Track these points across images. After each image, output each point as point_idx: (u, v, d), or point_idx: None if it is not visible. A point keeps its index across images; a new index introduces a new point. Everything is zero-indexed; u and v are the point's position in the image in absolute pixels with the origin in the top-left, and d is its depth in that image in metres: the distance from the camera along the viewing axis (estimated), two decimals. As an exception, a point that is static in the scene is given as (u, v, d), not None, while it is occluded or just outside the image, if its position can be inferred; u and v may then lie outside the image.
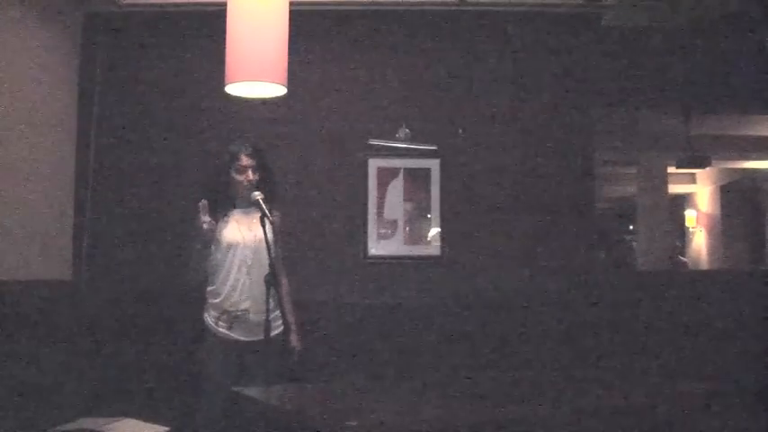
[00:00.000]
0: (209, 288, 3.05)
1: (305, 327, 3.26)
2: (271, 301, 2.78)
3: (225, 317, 2.98)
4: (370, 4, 3.90)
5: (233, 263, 2.99)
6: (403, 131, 3.89)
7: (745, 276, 5.09)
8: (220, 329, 2.99)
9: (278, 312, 2.91)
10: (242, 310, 2.97)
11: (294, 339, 3.10)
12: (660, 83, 4.10)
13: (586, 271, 3.85)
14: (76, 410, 3.09)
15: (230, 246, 2.99)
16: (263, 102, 2.97)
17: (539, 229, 3.87)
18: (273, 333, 3.01)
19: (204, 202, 2.90)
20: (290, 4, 2.50)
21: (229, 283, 2.99)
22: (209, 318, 3.03)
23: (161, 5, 3.87)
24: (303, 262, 3.75)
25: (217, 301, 3.01)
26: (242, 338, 2.99)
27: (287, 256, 3.20)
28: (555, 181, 3.90)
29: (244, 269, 2.99)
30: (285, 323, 3.05)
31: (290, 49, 2.47)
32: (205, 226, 2.87)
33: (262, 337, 2.93)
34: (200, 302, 3.06)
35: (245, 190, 3.01)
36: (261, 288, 2.98)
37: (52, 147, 3.61)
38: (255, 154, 3.05)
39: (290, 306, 3.13)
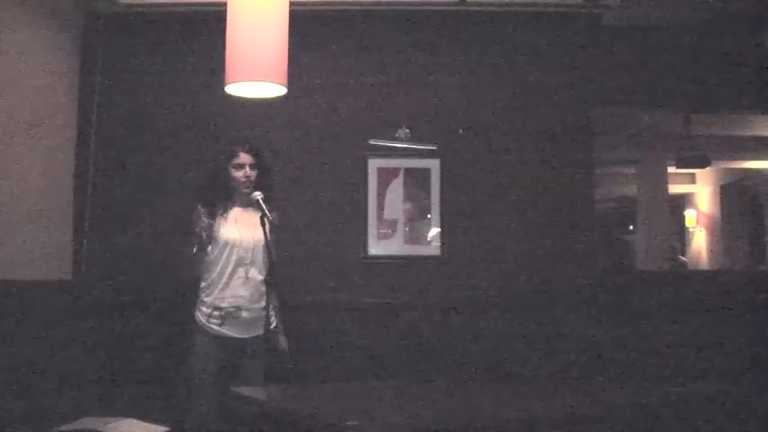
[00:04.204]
0: (202, 284, 3.06)
1: (305, 327, 3.28)
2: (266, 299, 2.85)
3: (217, 313, 2.99)
4: (370, 4, 3.90)
5: (229, 261, 3.01)
6: (403, 131, 3.89)
7: (745, 276, 5.09)
8: (212, 326, 3.00)
9: (271, 311, 2.97)
10: (234, 308, 2.99)
11: (282, 341, 3.12)
12: (660, 83, 4.10)
13: (586, 271, 3.85)
14: (76, 410, 3.09)
15: (227, 244, 3.00)
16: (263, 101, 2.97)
17: (538, 229, 3.87)
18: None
19: (199, 209, 2.93)
20: (290, 4, 2.50)
21: (224, 280, 3.01)
22: (201, 314, 3.03)
23: (161, 5, 3.87)
24: (303, 262, 3.75)
25: (209, 298, 3.02)
26: (234, 335, 3.00)
27: (279, 257, 3.19)
28: (555, 181, 3.90)
29: (240, 268, 3.01)
30: (268, 325, 3.08)
31: (290, 49, 2.47)
32: (204, 227, 2.89)
33: (253, 334, 2.98)
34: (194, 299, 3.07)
35: (243, 187, 3.04)
36: (255, 287, 3.01)
37: (52, 147, 3.60)
38: (254, 151, 3.08)
39: (278, 307, 3.15)
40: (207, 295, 3.04)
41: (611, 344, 3.74)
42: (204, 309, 3.03)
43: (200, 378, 2.99)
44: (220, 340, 3.00)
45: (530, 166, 3.91)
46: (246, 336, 3.02)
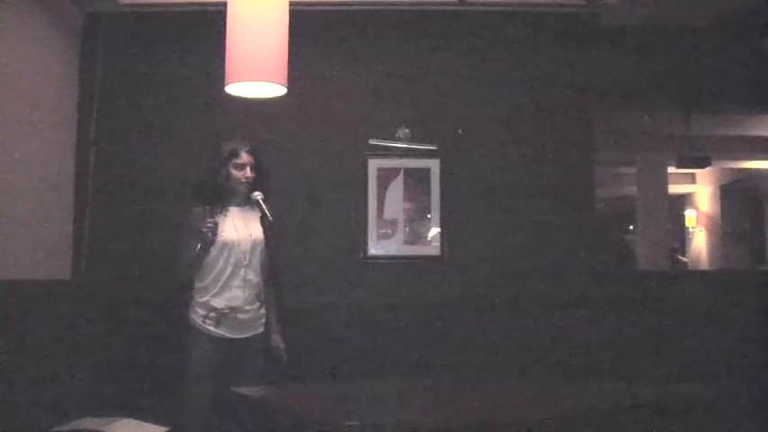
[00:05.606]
0: (197, 285, 3.04)
1: (305, 327, 3.27)
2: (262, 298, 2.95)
3: (213, 314, 2.98)
4: (370, 4, 3.90)
5: (228, 261, 3.00)
6: (403, 131, 3.89)
7: (745, 276, 5.09)
8: (207, 327, 2.99)
9: (263, 311, 3.03)
10: (230, 308, 2.98)
11: (277, 339, 3.12)
12: (660, 83, 4.10)
13: (586, 271, 3.85)
14: (76, 410, 3.09)
15: (225, 244, 2.99)
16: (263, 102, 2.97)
17: (538, 228, 3.87)
18: (261, 330, 3.05)
19: (206, 208, 2.94)
20: (290, 4, 2.50)
21: (220, 281, 2.99)
22: (196, 315, 3.02)
23: (161, 5, 3.87)
24: (303, 262, 3.75)
25: (205, 298, 3.00)
26: (229, 336, 2.99)
27: (279, 257, 3.20)
28: (555, 181, 3.90)
29: (239, 268, 3.00)
30: (267, 322, 3.08)
31: (290, 49, 2.47)
32: (210, 226, 2.89)
33: (248, 335, 2.99)
34: (188, 301, 3.08)
35: (242, 187, 3.04)
36: (252, 288, 3.01)
37: (52, 147, 3.61)
38: (254, 152, 3.08)
39: (273, 307, 3.16)
40: (202, 296, 3.02)
41: (610, 344, 3.74)
42: (199, 310, 3.01)
43: (197, 378, 2.98)
44: (215, 341, 2.99)
45: (530, 166, 3.91)
46: (241, 336, 3.01)
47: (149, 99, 3.88)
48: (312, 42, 3.81)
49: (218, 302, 2.98)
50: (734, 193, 9.79)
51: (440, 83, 3.95)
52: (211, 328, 2.98)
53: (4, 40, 3.14)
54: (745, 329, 3.83)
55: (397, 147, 3.89)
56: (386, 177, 3.90)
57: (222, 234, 2.99)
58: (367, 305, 3.76)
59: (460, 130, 3.91)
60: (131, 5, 3.85)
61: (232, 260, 3.00)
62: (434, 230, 3.89)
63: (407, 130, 3.89)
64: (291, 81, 2.50)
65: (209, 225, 2.90)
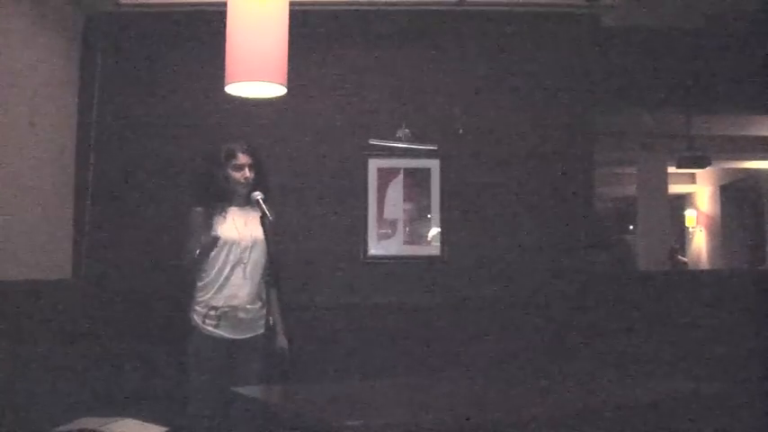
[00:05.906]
0: (198, 284, 3.04)
1: (305, 327, 3.26)
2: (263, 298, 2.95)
3: (213, 313, 2.98)
4: (370, 4, 3.90)
5: (227, 260, 3.00)
6: (403, 131, 3.89)
7: (745, 276, 5.09)
8: (207, 327, 2.99)
9: (264, 311, 3.00)
10: (230, 308, 2.97)
11: (282, 340, 3.11)
12: (660, 83, 4.10)
13: (586, 271, 3.85)
14: (76, 410, 3.09)
15: (225, 244, 2.99)
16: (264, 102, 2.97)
17: (538, 228, 3.87)
18: (262, 331, 3.05)
19: (206, 209, 2.97)
20: (290, 4, 2.50)
21: (220, 280, 2.99)
22: (196, 315, 3.02)
23: (161, 5, 3.87)
24: (303, 262, 3.75)
25: (206, 297, 3.00)
26: (229, 336, 2.99)
27: (279, 256, 3.19)
28: (555, 181, 3.90)
29: (238, 267, 3.00)
30: (269, 323, 3.08)
31: (290, 48, 2.47)
32: (210, 241, 2.92)
33: (249, 335, 2.99)
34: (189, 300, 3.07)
35: (241, 187, 3.04)
36: (252, 287, 3.01)
37: (52, 146, 3.60)
38: (252, 152, 3.07)
39: (276, 307, 3.15)
40: (203, 295, 3.01)
41: (610, 344, 3.74)
42: (200, 309, 3.00)
43: (198, 378, 2.97)
44: (216, 341, 2.98)
45: (530, 166, 3.91)
46: (242, 336, 3.01)
47: (149, 99, 3.88)
48: (312, 42, 3.81)
49: (218, 301, 2.98)
50: (734, 193, 9.78)
51: (440, 83, 3.95)
52: (211, 328, 2.98)
53: (5, 40, 3.14)
54: (744, 329, 3.83)
55: (397, 147, 3.89)
56: (386, 177, 3.91)
57: (222, 234, 2.99)
58: (367, 305, 3.76)
59: (460, 130, 3.91)
60: (131, 5, 3.85)
61: (232, 259, 3.00)
62: (434, 230, 3.89)
63: (407, 130, 3.89)
64: (291, 81, 2.50)
65: (210, 238, 2.93)
